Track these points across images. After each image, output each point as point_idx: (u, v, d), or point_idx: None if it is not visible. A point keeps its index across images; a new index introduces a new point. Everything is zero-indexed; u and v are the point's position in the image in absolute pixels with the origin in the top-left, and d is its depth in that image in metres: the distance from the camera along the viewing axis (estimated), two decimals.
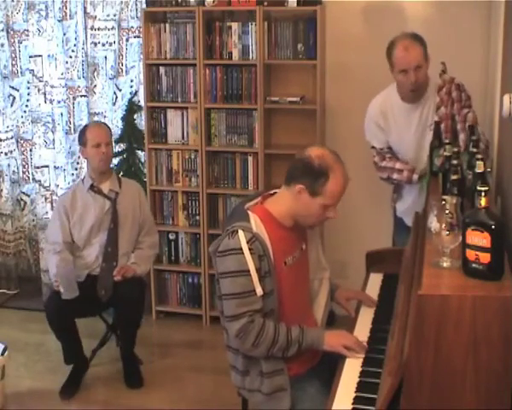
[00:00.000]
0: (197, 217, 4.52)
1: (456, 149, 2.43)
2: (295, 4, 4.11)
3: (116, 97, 4.79)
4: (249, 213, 2.45)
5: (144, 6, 4.44)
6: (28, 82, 4.97)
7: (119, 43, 4.71)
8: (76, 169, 4.94)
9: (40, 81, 4.93)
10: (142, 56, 4.47)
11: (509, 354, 1.77)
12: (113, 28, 4.69)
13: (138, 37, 4.62)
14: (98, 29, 4.72)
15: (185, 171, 4.50)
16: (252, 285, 2.35)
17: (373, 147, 3.60)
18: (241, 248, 2.35)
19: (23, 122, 5.06)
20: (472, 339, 1.77)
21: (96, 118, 4.80)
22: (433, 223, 1.98)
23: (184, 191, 4.53)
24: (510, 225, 2.43)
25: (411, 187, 3.52)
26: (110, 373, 3.97)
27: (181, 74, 4.39)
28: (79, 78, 4.80)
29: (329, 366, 2.46)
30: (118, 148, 4.60)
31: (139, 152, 4.69)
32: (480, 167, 2.05)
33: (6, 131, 5.05)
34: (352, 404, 2.15)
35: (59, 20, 4.72)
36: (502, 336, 1.76)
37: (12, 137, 5.08)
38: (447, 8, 4.03)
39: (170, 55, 4.40)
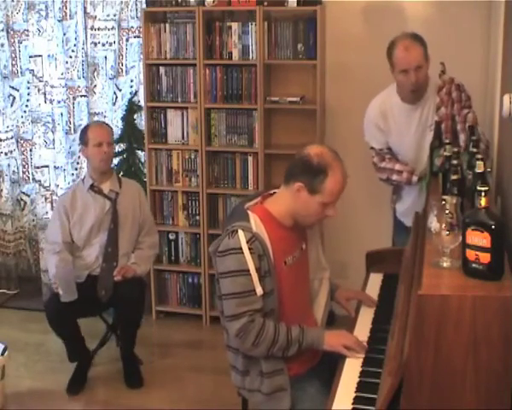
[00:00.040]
0: (197, 217, 4.52)
1: (456, 149, 2.43)
2: (295, 4, 4.11)
3: (116, 97, 4.79)
4: (249, 212, 2.45)
5: (144, 6, 4.44)
6: (28, 82, 4.97)
7: (119, 43, 4.71)
8: (76, 169, 4.94)
9: (40, 81, 4.93)
10: (142, 56, 4.47)
11: (509, 354, 1.77)
12: (113, 28, 4.69)
13: (138, 37, 4.62)
14: (98, 29, 4.72)
15: (185, 171, 4.50)
16: (252, 285, 2.35)
17: (372, 148, 3.59)
18: (240, 248, 2.35)
19: (23, 122, 5.06)
20: (472, 339, 1.77)
21: (95, 118, 4.80)
22: (433, 223, 1.98)
23: (184, 191, 4.53)
24: (510, 225, 2.43)
25: (411, 188, 3.52)
26: (110, 373, 3.97)
27: (181, 74, 4.39)
28: (79, 78, 4.80)
29: (329, 366, 2.46)
30: (118, 148, 4.60)
31: (139, 152, 4.69)
32: (479, 167, 2.05)
33: (6, 131, 5.06)
34: (352, 404, 2.15)
35: (59, 20, 4.72)
36: (502, 336, 1.76)
37: (12, 137, 5.08)
38: (447, 8, 4.03)
39: (170, 55, 4.40)
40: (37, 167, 5.06)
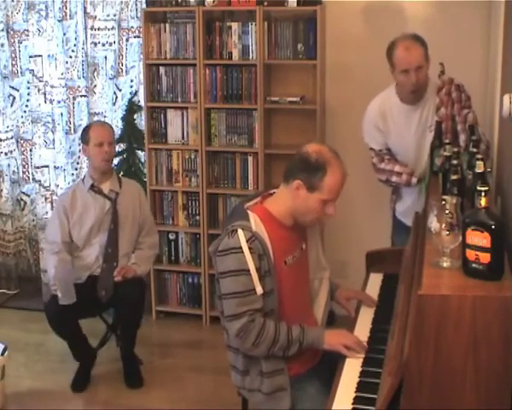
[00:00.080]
0: (197, 217, 4.52)
1: (456, 149, 2.43)
2: (295, 4, 4.11)
3: (116, 97, 4.79)
4: (249, 212, 2.45)
5: (144, 6, 4.44)
6: (28, 82, 4.97)
7: (119, 43, 4.71)
8: (76, 169, 4.94)
9: (40, 81, 4.93)
10: (142, 56, 4.47)
11: (509, 354, 1.77)
12: (113, 28, 4.69)
13: (138, 37, 4.62)
14: (98, 29, 4.72)
15: (185, 171, 4.50)
16: (252, 284, 2.35)
17: (371, 148, 3.59)
18: (240, 247, 2.35)
19: (23, 122, 5.06)
20: (472, 339, 1.77)
21: (95, 118, 4.80)
22: (433, 223, 1.98)
23: (184, 191, 4.53)
24: (510, 225, 2.43)
25: (411, 188, 3.52)
26: (110, 373, 3.97)
27: (181, 74, 4.39)
28: (79, 78, 4.80)
29: (329, 366, 2.46)
30: (118, 148, 4.59)
31: (139, 152, 4.69)
32: (480, 167, 2.05)
33: (6, 131, 5.06)
34: (352, 404, 2.15)
35: (59, 20, 4.72)
36: (502, 336, 1.76)
37: (12, 137, 5.08)
38: (447, 8, 4.03)
39: (170, 55, 4.40)
40: (37, 167, 5.06)
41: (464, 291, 1.81)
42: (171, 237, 4.61)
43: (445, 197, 2.05)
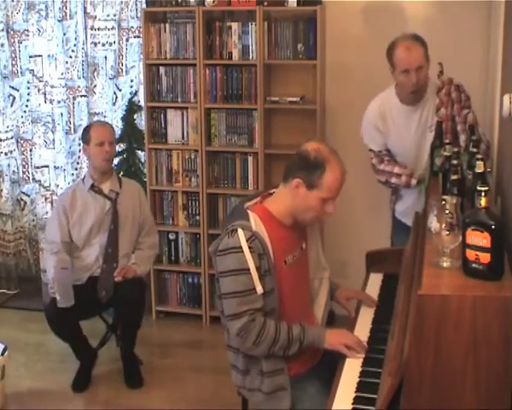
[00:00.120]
0: (197, 217, 4.52)
1: (456, 149, 2.43)
2: (295, 4, 4.11)
3: (116, 97, 4.79)
4: (248, 212, 2.45)
5: (144, 6, 4.44)
6: (28, 82, 4.97)
7: (119, 43, 4.71)
8: (76, 169, 4.94)
9: (40, 81, 4.93)
10: (142, 56, 4.47)
11: (509, 354, 1.77)
12: (113, 28, 4.69)
13: (138, 37, 4.62)
14: (98, 29, 4.72)
15: (185, 171, 4.50)
16: (252, 284, 2.35)
17: (371, 150, 3.59)
18: (240, 247, 2.35)
19: (23, 122, 5.06)
20: (472, 339, 1.77)
21: (95, 118, 4.80)
22: (433, 223, 1.98)
23: (184, 191, 4.53)
24: (510, 225, 2.43)
25: (410, 189, 3.51)
26: (110, 373, 3.97)
27: (181, 74, 4.39)
28: (79, 78, 4.80)
29: (329, 366, 2.46)
30: (118, 148, 4.59)
31: (139, 152, 4.69)
32: (480, 167, 2.05)
33: (6, 131, 5.06)
34: (352, 404, 2.15)
35: (59, 20, 4.72)
36: (502, 336, 1.76)
37: (12, 137, 5.08)
38: (447, 8, 4.03)
39: (170, 55, 4.40)
40: (37, 167, 5.06)
41: (464, 291, 1.81)
42: (171, 237, 4.61)
43: (445, 197, 2.05)
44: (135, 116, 4.67)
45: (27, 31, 4.87)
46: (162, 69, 4.41)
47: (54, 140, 4.94)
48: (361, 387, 2.23)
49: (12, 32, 4.93)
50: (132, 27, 4.66)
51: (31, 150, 5.08)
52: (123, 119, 4.68)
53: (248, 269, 2.34)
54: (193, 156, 4.46)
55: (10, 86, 5.00)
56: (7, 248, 5.18)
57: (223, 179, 4.46)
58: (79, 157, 4.91)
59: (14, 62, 4.98)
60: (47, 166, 5.05)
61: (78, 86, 4.82)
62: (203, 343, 4.39)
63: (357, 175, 3.96)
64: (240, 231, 2.36)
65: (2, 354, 3.62)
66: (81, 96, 4.84)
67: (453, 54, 3.85)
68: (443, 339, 1.79)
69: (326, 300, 2.68)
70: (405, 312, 2.11)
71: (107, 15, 4.68)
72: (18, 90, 5.01)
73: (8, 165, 5.09)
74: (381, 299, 2.83)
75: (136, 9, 4.60)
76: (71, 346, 3.83)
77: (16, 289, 5.17)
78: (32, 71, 4.93)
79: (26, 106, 5.02)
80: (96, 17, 4.70)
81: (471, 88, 3.42)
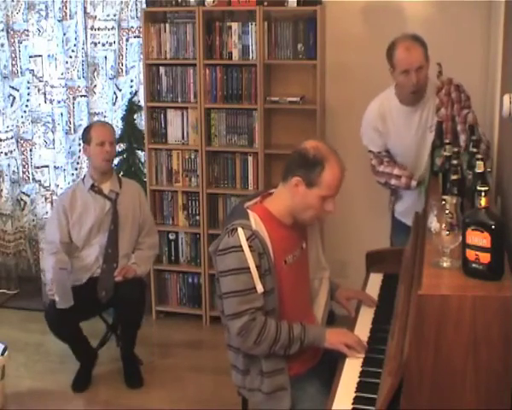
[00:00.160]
0: (197, 217, 4.52)
1: (456, 149, 2.43)
2: (295, 4, 4.11)
3: (116, 97, 4.79)
4: (248, 211, 2.45)
5: (144, 6, 4.44)
6: (28, 82, 4.97)
7: (119, 43, 4.71)
8: (76, 169, 4.94)
9: (40, 81, 4.93)
10: (142, 56, 4.47)
11: (509, 354, 1.77)
12: (113, 28, 4.70)
13: (138, 37, 4.62)
14: (98, 29, 4.72)
15: (185, 171, 4.50)
16: (252, 283, 2.34)
17: (370, 151, 3.58)
18: (240, 246, 2.35)
19: (23, 122, 5.07)
20: (472, 339, 1.77)
21: (95, 118, 4.80)
22: (433, 223, 1.98)
23: (184, 191, 4.53)
24: (510, 225, 2.43)
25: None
26: (110, 373, 3.97)
27: (181, 74, 4.39)
28: (79, 78, 4.80)
29: (329, 366, 2.46)
30: (118, 148, 4.60)
31: (139, 152, 4.69)
32: (480, 167, 2.05)
33: (6, 131, 5.06)
34: (352, 404, 2.15)
35: (59, 20, 4.72)
36: (502, 336, 1.76)
37: (12, 137, 5.08)
38: (447, 8, 4.03)
39: (170, 55, 4.40)
40: (37, 167, 5.06)
41: (464, 291, 1.81)
42: (171, 237, 4.61)
43: (445, 197, 2.05)
44: (135, 116, 4.67)
45: (27, 31, 4.87)
46: (162, 69, 4.41)
47: (54, 140, 4.94)
48: (361, 387, 2.23)
49: (12, 32, 4.93)
50: (132, 27, 4.66)
51: (31, 150, 5.08)
52: (123, 119, 4.68)
53: (248, 268, 2.34)
54: (193, 156, 4.46)
55: (10, 86, 5.00)
56: (7, 248, 5.18)
57: (223, 179, 4.46)
58: (79, 157, 4.91)
59: (14, 62, 4.98)
60: (47, 166, 5.05)
61: (78, 86, 4.82)
62: (203, 343, 4.39)
63: (358, 175, 3.96)
64: (240, 230, 2.36)
65: (2, 354, 3.62)
66: (81, 96, 4.84)
67: (453, 54, 3.85)
68: (443, 339, 1.79)
69: (326, 300, 2.68)
70: (405, 312, 2.11)
71: (107, 15, 4.68)
72: (18, 90, 5.02)
73: (8, 165, 5.10)
74: (381, 299, 2.83)
75: (136, 9, 4.61)
76: (71, 347, 3.83)
77: (16, 289, 5.17)
78: (32, 71, 4.93)
79: (26, 106, 5.02)
80: (96, 17, 4.70)
81: (471, 88, 3.42)
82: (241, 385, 2.56)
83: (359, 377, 2.29)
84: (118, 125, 4.70)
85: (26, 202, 5.18)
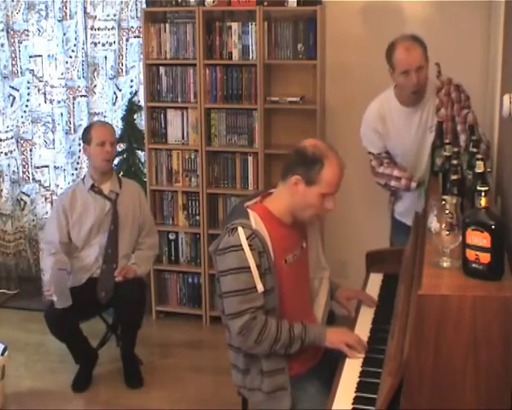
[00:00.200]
0: (197, 217, 4.52)
1: (456, 149, 2.43)
2: (295, 4, 4.11)
3: (116, 97, 4.79)
4: (248, 210, 2.45)
5: (144, 6, 4.44)
6: (28, 82, 4.98)
7: (119, 43, 4.71)
8: (76, 169, 4.94)
9: (40, 81, 4.94)
10: (142, 56, 4.47)
11: (509, 354, 1.77)
12: (113, 28, 4.70)
13: (138, 37, 4.62)
14: (98, 29, 4.72)
15: (185, 171, 4.50)
16: (252, 282, 2.34)
17: (370, 152, 3.58)
18: (240, 245, 2.35)
19: (23, 122, 5.07)
20: (472, 339, 1.77)
21: (96, 118, 4.80)
22: (433, 223, 1.98)
23: (184, 191, 4.53)
24: (510, 225, 2.43)
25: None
26: (110, 373, 3.97)
27: (181, 74, 4.39)
28: (79, 78, 4.81)
29: (329, 366, 2.46)
30: (118, 148, 4.59)
31: (139, 152, 4.69)
32: (480, 167, 2.05)
33: (6, 131, 5.06)
34: (352, 404, 2.15)
35: (59, 20, 4.72)
36: (502, 336, 1.76)
37: (12, 137, 5.08)
38: (447, 9, 4.03)
39: (170, 55, 4.40)
40: (37, 167, 5.07)
41: (464, 291, 1.81)
42: (171, 237, 4.61)
43: (445, 197, 2.06)
44: (135, 116, 4.67)
45: (27, 31, 4.87)
46: (162, 69, 4.41)
47: (54, 140, 4.95)
48: (361, 387, 2.23)
49: (12, 32, 4.93)
50: (132, 27, 4.66)
51: (31, 150, 5.08)
52: (123, 119, 4.68)
53: (249, 267, 2.34)
54: (193, 156, 4.46)
55: (10, 86, 5.00)
56: (7, 248, 5.18)
57: (223, 179, 4.46)
58: (79, 157, 4.91)
59: (14, 62, 4.98)
60: (47, 166, 5.05)
61: (78, 86, 4.82)
62: (203, 343, 4.39)
63: (358, 175, 3.96)
64: (240, 229, 2.36)
65: (2, 354, 3.62)
66: (81, 96, 4.84)
67: (453, 54, 3.85)
68: (443, 339, 1.79)
69: (326, 300, 2.68)
70: (405, 312, 2.11)
71: (107, 15, 4.68)
72: (18, 90, 5.02)
73: (8, 165, 5.10)
74: (381, 299, 2.83)
75: (136, 9, 4.61)
76: (70, 348, 3.82)
77: (16, 289, 5.17)
78: (32, 71, 4.93)
79: (26, 106, 5.02)
80: (96, 17, 4.71)
81: (471, 88, 3.42)
82: (241, 385, 2.56)
83: (359, 377, 2.29)
84: (118, 125, 4.70)
85: (26, 202, 5.18)
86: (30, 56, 4.91)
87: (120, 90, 4.78)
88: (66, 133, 4.89)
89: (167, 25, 4.36)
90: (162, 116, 4.47)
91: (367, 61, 4.12)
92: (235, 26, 4.25)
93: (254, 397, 2.53)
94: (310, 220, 2.55)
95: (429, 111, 3.38)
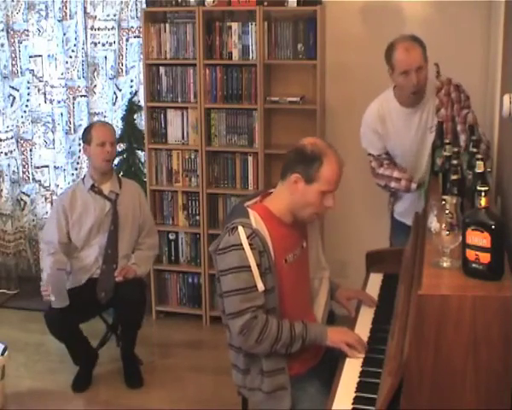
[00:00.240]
0: (197, 217, 4.52)
1: (456, 149, 2.43)
2: (295, 4, 4.11)
3: (116, 97, 4.80)
4: (249, 210, 2.45)
5: (144, 6, 4.44)
6: (28, 82, 4.98)
7: (119, 43, 4.72)
8: (76, 169, 4.94)
9: (40, 81, 4.94)
10: (142, 56, 4.47)
11: (509, 354, 1.77)
12: (113, 28, 4.70)
13: (138, 37, 4.62)
14: (98, 29, 4.73)
15: (185, 171, 4.50)
16: (253, 281, 2.34)
17: (370, 154, 3.58)
18: (241, 244, 2.34)
19: (23, 122, 5.07)
20: (472, 339, 1.77)
21: (96, 118, 4.81)
22: (433, 223, 1.98)
23: (184, 191, 4.53)
24: (510, 225, 2.43)
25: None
26: (110, 373, 3.97)
27: (181, 74, 4.39)
28: (79, 78, 4.81)
29: (330, 366, 2.46)
30: (118, 148, 4.60)
31: (139, 152, 4.69)
32: (480, 167, 2.05)
33: (6, 131, 5.06)
34: (352, 404, 2.15)
35: (59, 20, 4.73)
36: (502, 336, 1.76)
37: (12, 137, 5.08)
38: (447, 8, 4.03)
39: (170, 55, 4.40)
40: (37, 167, 5.07)
41: (464, 291, 1.81)
42: (171, 237, 4.61)
43: (445, 197, 2.06)
44: (135, 116, 4.67)
45: (27, 31, 4.88)
46: (162, 69, 4.41)
47: (54, 140, 4.95)
48: (361, 387, 2.23)
49: (12, 32, 4.93)
50: (132, 27, 4.67)
51: (31, 150, 5.08)
52: (123, 119, 4.68)
53: (249, 266, 2.34)
54: (193, 156, 4.46)
55: (10, 86, 5.00)
56: (7, 248, 5.19)
57: (223, 179, 4.46)
58: (79, 157, 4.91)
59: (14, 62, 4.98)
60: (47, 166, 5.05)
61: (78, 86, 4.83)
62: (203, 343, 4.39)
63: (358, 175, 3.96)
64: (240, 228, 2.36)
65: (2, 354, 3.62)
66: (81, 96, 4.84)
67: (453, 54, 3.85)
68: (443, 339, 1.79)
69: (326, 300, 2.68)
70: (405, 312, 2.11)
71: (107, 15, 4.69)
72: (18, 90, 5.02)
73: (8, 165, 5.10)
74: (381, 299, 2.83)
75: (136, 9, 4.61)
76: (70, 349, 3.81)
77: (16, 289, 5.17)
78: (32, 71, 4.94)
79: (26, 106, 5.02)
80: (96, 17, 4.71)
81: (471, 88, 3.42)
82: (241, 385, 2.56)
83: (359, 377, 2.29)
84: (118, 125, 4.70)
85: (26, 202, 5.18)
86: (30, 56, 4.92)
87: (120, 90, 4.78)
88: (66, 133, 4.89)
89: (167, 25, 4.36)
90: (162, 116, 4.47)
91: (367, 61, 4.12)
92: (235, 26, 4.25)
93: (254, 397, 2.53)
94: (310, 219, 2.55)
95: (429, 111, 3.37)
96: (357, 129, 3.65)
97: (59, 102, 4.87)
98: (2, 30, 4.90)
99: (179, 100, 4.43)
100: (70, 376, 3.87)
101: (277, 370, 2.45)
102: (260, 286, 2.35)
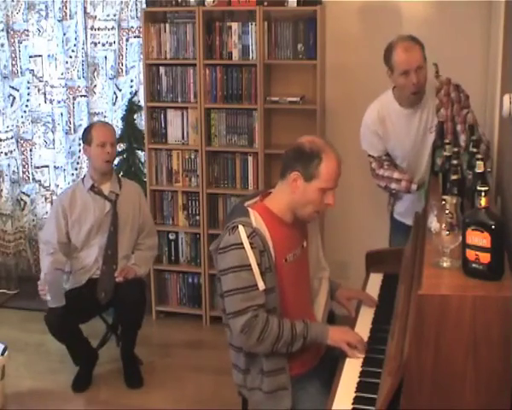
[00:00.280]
0: (197, 217, 4.52)
1: (456, 149, 2.43)
2: (295, 4, 4.11)
3: (116, 97, 4.79)
4: (249, 209, 2.45)
5: (144, 6, 4.44)
6: (28, 82, 4.98)
7: (119, 43, 4.72)
8: (76, 169, 4.94)
9: (40, 81, 4.94)
10: (142, 56, 4.47)
11: (509, 354, 1.77)
12: (113, 28, 4.70)
13: (138, 37, 4.62)
14: (98, 29, 4.73)
15: (185, 171, 4.50)
16: (254, 280, 2.34)
17: (370, 155, 3.57)
18: (241, 243, 2.34)
19: (23, 122, 5.07)
20: (472, 339, 1.77)
21: (96, 118, 4.81)
22: (433, 223, 1.98)
23: (184, 191, 4.53)
24: (510, 225, 2.43)
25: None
26: (110, 373, 3.97)
27: (181, 74, 4.39)
28: (79, 78, 4.81)
29: (330, 366, 2.46)
30: (118, 148, 4.60)
31: (139, 152, 4.69)
32: (480, 167, 2.05)
33: (6, 131, 5.06)
34: (352, 404, 2.16)
35: (59, 20, 4.73)
36: (502, 336, 1.76)
37: (12, 137, 5.08)
38: (447, 8, 4.03)
39: (170, 55, 4.40)
40: (37, 167, 5.07)
41: (464, 291, 1.81)
42: (171, 237, 4.61)
43: (445, 197, 2.06)
44: (135, 116, 4.67)
45: (27, 31, 4.88)
46: (162, 69, 4.41)
47: (54, 140, 4.95)
48: (361, 387, 2.23)
49: (12, 32, 4.93)
50: (132, 27, 4.67)
51: (31, 150, 5.08)
52: (123, 119, 4.68)
53: (250, 265, 2.34)
54: (193, 156, 4.46)
55: (10, 86, 5.00)
56: (7, 248, 5.18)
57: (223, 179, 4.46)
58: (79, 157, 4.91)
59: (14, 62, 4.98)
60: (47, 166, 5.05)
61: (78, 86, 4.83)
62: (203, 343, 4.38)
63: (358, 175, 3.96)
64: (240, 227, 2.36)
65: (2, 354, 3.62)
66: (81, 96, 4.84)
67: (453, 54, 3.85)
68: (443, 339, 1.79)
69: (326, 300, 2.68)
70: (405, 312, 2.11)
71: (107, 15, 4.69)
72: (18, 90, 5.02)
73: (8, 165, 5.10)
74: (381, 299, 2.83)
75: (136, 9, 4.61)
76: (70, 350, 3.81)
77: (16, 289, 5.17)
78: (32, 71, 4.94)
79: (26, 106, 5.02)
80: (96, 17, 4.71)
81: (471, 88, 3.42)
82: (241, 384, 2.56)
83: (359, 377, 2.29)
84: (118, 125, 4.70)
85: (26, 202, 5.18)
86: (30, 56, 4.91)
87: (120, 90, 4.78)
88: (66, 133, 4.89)
89: (167, 25, 4.36)
90: (162, 116, 4.47)
91: (367, 61, 4.12)
92: (235, 26, 4.25)
93: (255, 397, 2.52)
94: (310, 217, 2.54)
95: (429, 112, 3.37)
96: (357, 129, 3.65)
97: (59, 102, 4.87)
98: (2, 30, 4.90)
99: (179, 100, 4.43)
100: (70, 376, 3.87)
101: (278, 370, 2.45)
102: (261, 285, 2.35)
